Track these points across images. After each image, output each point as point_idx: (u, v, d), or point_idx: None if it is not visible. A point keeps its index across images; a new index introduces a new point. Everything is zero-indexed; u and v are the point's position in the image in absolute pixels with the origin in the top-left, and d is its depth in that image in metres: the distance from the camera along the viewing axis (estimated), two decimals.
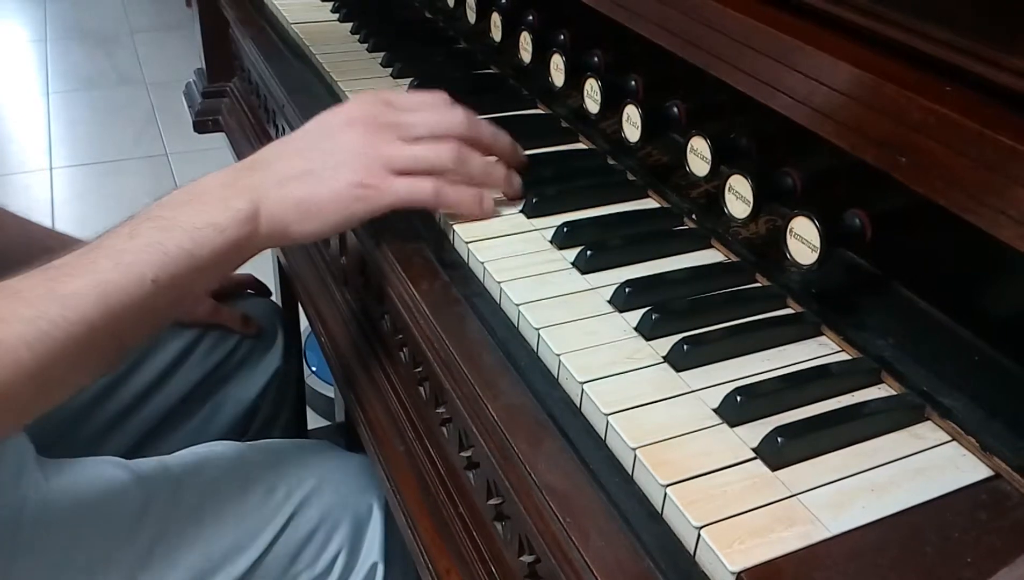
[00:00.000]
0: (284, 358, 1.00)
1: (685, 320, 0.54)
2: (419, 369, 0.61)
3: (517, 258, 0.60)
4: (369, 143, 0.62)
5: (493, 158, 0.67)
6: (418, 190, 0.62)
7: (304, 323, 1.17)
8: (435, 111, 0.65)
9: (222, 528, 0.70)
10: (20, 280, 0.53)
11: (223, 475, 0.72)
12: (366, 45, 0.95)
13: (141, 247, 0.56)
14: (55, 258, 0.55)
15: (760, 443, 0.45)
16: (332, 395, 1.67)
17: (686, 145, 0.64)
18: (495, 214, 0.64)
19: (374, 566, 0.77)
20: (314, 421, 1.62)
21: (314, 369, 1.75)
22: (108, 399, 0.87)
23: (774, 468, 0.44)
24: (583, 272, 0.59)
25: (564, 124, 0.79)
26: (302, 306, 0.87)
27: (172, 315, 0.60)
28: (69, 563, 0.64)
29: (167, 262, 0.56)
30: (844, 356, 0.53)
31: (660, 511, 0.43)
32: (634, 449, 0.45)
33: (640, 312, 0.54)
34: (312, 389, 1.70)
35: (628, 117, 0.70)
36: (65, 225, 2.38)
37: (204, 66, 1.27)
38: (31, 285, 0.53)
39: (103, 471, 0.70)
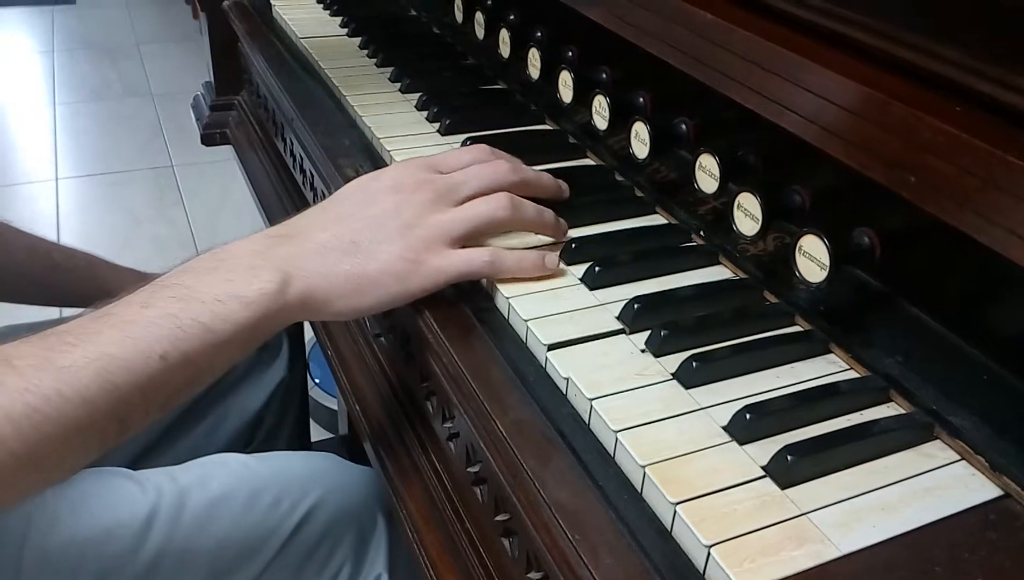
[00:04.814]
0: (289, 369, 1.01)
1: (694, 337, 0.54)
2: (426, 383, 0.61)
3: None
4: (419, 213, 0.58)
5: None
6: (475, 262, 0.58)
7: (308, 334, 1.17)
8: (480, 166, 0.63)
9: (228, 539, 0.70)
10: (15, 346, 0.48)
11: (229, 486, 0.72)
12: (374, 60, 0.96)
13: (152, 319, 0.50)
14: (62, 328, 0.49)
15: (770, 461, 0.45)
16: (335, 407, 1.67)
17: (694, 162, 0.65)
18: (559, 272, 0.61)
19: (379, 576, 0.77)
20: (317, 433, 1.62)
21: (317, 381, 1.75)
22: None
23: (784, 486, 0.44)
24: (591, 288, 0.59)
25: (572, 140, 0.80)
26: None
27: (187, 394, 0.53)
28: (76, 576, 0.64)
29: (179, 337, 0.50)
30: (853, 374, 0.53)
31: (669, 529, 0.43)
32: (643, 466, 0.45)
33: (649, 328, 0.54)
34: (315, 401, 1.70)
35: (636, 133, 0.70)
36: (70, 236, 2.40)
37: (212, 79, 1.28)
38: (25, 353, 0.47)
39: (109, 481, 0.70)
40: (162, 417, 0.53)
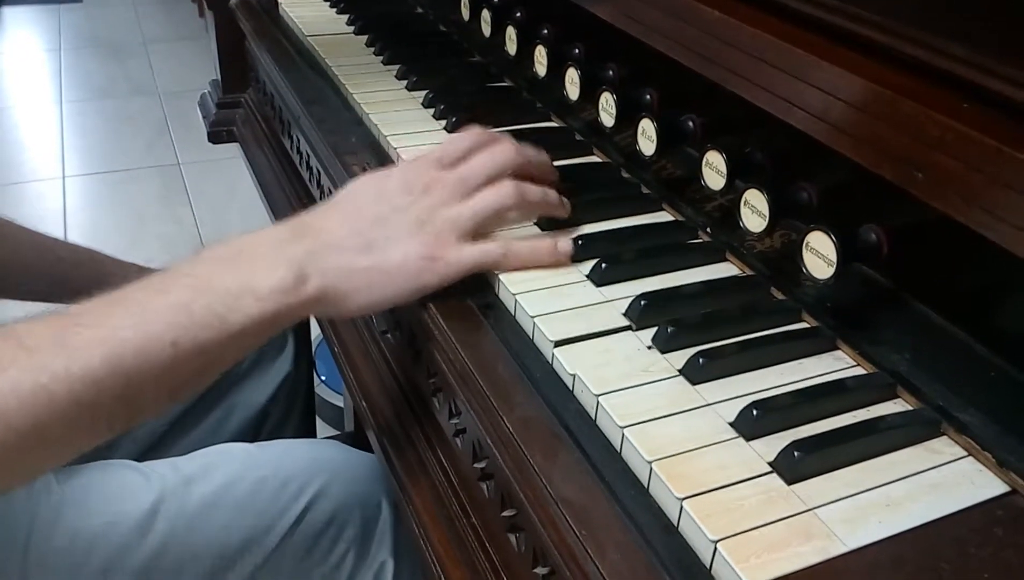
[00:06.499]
0: (294, 364, 1.01)
1: (700, 333, 0.54)
2: (433, 379, 0.62)
3: (532, 270, 0.60)
4: (430, 209, 0.59)
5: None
6: (489, 254, 0.59)
7: (315, 331, 1.18)
8: (483, 151, 0.63)
9: (233, 526, 0.70)
10: (27, 325, 0.49)
11: (233, 474, 0.73)
12: (381, 57, 0.96)
13: (166, 306, 0.51)
14: (75, 303, 0.51)
15: (776, 457, 0.45)
16: (341, 405, 1.68)
17: (701, 159, 0.65)
18: (568, 254, 0.61)
19: (383, 563, 0.77)
20: (323, 430, 1.62)
21: (323, 378, 1.76)
22: None
23: (790, 482, 0.44)
24: (598, 285, 0.59)
25: (578, 137, 0.80)
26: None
27: (197, 385, 0.54)
28: (83, 565, 0.64)
29: (192, 326, 0.51)
30: (859, 371, 0.53)
31: (676, 524, 0.43)
32: (650, 462, 0.45)
33: (655, 325, 0.54)
34: (321, 398, 1.70)
35: (643, 131, 0.70)
36: (77, 233, 2.40)
37: (219, 77, 1.28)
38: (38, 331, 0.48)
39: (114, 473, 0.70)
40: (170, 409, 0.53)
